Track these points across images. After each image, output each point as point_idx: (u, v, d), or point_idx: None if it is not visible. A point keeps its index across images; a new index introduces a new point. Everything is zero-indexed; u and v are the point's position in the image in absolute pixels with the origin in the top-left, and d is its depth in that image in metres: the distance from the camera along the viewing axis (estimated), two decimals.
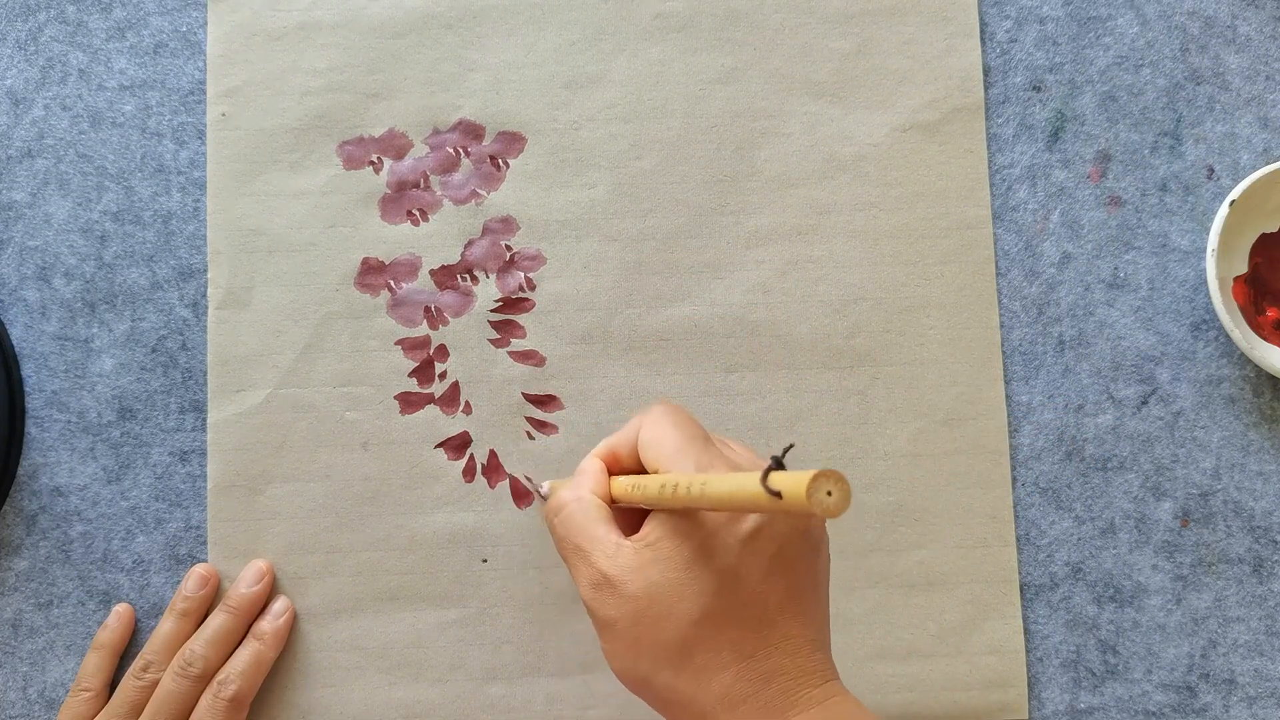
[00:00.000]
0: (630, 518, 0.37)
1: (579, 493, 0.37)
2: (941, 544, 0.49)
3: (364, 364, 0.50)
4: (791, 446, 0.32)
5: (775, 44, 0.51)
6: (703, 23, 0.51)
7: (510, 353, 0.50)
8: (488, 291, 0.50)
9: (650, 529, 0.34)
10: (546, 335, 0.50)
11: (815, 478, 0.27)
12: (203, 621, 0.48)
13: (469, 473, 0.49)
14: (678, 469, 0.34)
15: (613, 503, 0.38)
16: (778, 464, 0.29)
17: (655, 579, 0.33)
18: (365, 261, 0.50)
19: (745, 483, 0.29)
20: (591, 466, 0.39)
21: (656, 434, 0.36)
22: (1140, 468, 0.50)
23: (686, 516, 0.34)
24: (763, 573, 0.33)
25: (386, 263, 0.50)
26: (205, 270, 0.50)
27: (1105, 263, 0.50)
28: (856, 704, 0.34)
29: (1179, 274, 0.50)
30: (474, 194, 0.50)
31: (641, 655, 0.33)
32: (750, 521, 0.33)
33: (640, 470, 0.37)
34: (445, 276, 0.50)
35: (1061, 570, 0.49)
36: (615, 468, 0.39)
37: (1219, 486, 0.49)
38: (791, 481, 0.28)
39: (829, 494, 0.27)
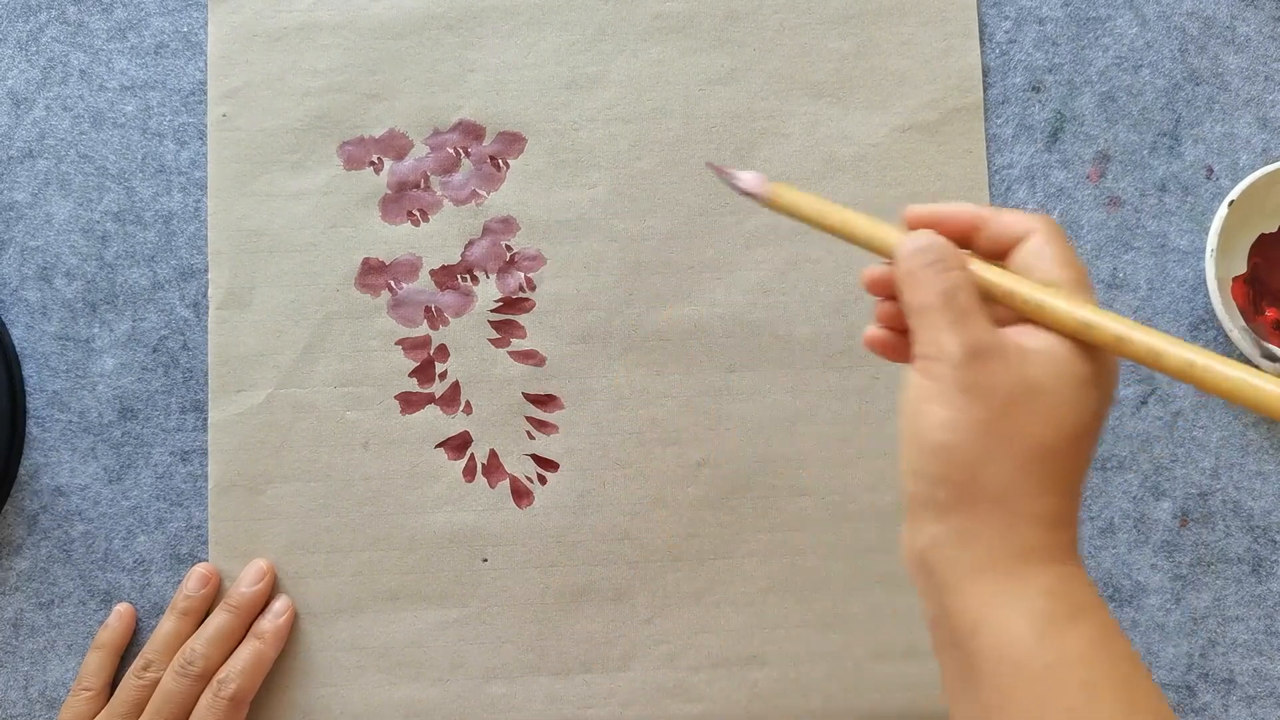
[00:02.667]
0: None
1: (963, 261, 0.33)
2: None
3: (364, 364, 0.50)
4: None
5: (775, 44, 0.51)
6: (702, 23, 0.51)
7: (510, 353, 0.50)
8: (488, 291, 0.50)
9: (1040, 337, 0.32)
10: (546, 335, 0.50)
11: None
12: (203, 621, 0.48)
13: (469, 473, 0.50)
14: (1076, 299, 0.32)
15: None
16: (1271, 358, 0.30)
17: (1052, 375, 0.31)
18: (366, 262, 0.50)
19: (1263, 385, 0.29)
20: (953, 247, 0.34)
21: (1057, 255, 0.33)
22: (1139, 467, 0.50)
23: (1082, 344, 0.32)
24: (1099, 433, 0.33)
25: (387, 263, 0.50)
26: (206, 270, 0.50)
27: (1104, 263, 0.50)
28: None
29: (1178, 274, 0.50)
30: (474, 194, 0.50)
31: (996, 437, 0.31)
32: (1115, 381, 0.33)
33: (990, 259, 0.34)
34: (445, 276, 0.50)
35: None
36: (957, 240, 0.35)
37: (1218, 486, 0.50)
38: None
39: None
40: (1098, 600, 0.32)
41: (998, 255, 0.34)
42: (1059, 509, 0.31)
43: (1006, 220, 0.34)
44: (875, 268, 0.36)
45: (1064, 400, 0.31)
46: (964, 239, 0.35)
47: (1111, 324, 0.32)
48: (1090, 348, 0.32)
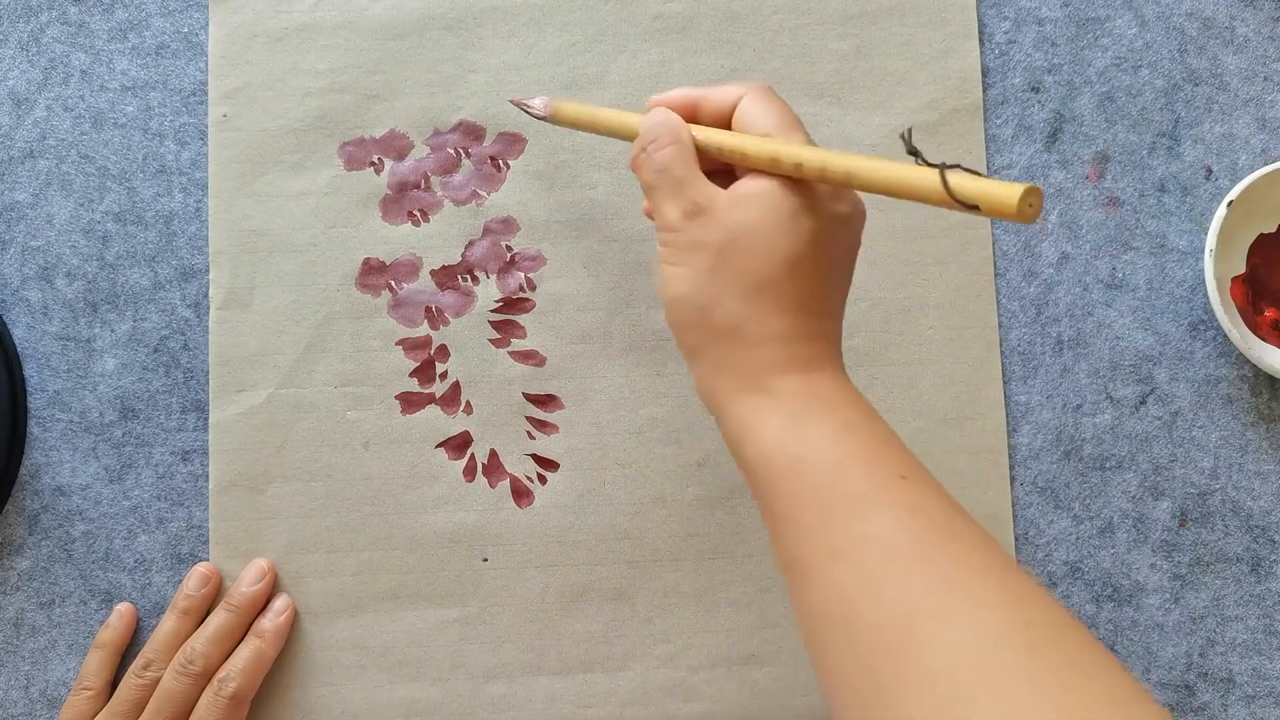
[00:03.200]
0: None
1: (680, 135, 0.38)
2: None
3: (365, 364, 0.50)
4: (911, 129, 0.35)
5: (774, 45, 0.51)
6: (702, 24, 0.51)
7: (510, 353, 0.50)
8: (488, 292, 0.50)
9: (753, 182, 0.36)
10: (546, 335, 0.50)
11: (1025, 193, 0.29)
12: (204, 620, 0.48)
13: (469, 473, 0.50)
14: (796, 137, 0.36)
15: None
16: (911, 152, 0.34)
17: (756, 217, 0.35)
18: (366, 262, 0.50)
19: (916, 176, 0.32)
20: (673, 117, 0.38)
21: (764, 108, 0.37)
22: (1138, 467, 0.50)
23: (792, 180, 0.36)
24: (840, 252, 0.37)
25: (387, 263, 0.50)
26: (207, 270, 0.50)
27: (1103, 263, 0.51)
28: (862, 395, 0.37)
29: (1177, 274, 0.51)
30: (474, 194, 0.50)
31: (718, 281, 0.35)
32: (845, 206, 0.36)
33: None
34: (446, 277, 0.50)
35: (1060, 569, 0.49)
36: (689, 121, 0.39)
37: (1217, 486, 0.50)
38: (993, 190, 0.30)
39: (1030, 205, 0.30)
40: (848, 396, 0.36)
41: (722, 124, 0.38)
42: (792, 327, 0.35)
43: (721, 91, 0.38)
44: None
45: (773, 234, 0.35)
46: (691, 117, 0.39)
47: (791, 151, 0.35)
48: (797, 184, 0.36)
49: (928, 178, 0.32)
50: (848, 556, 0.32)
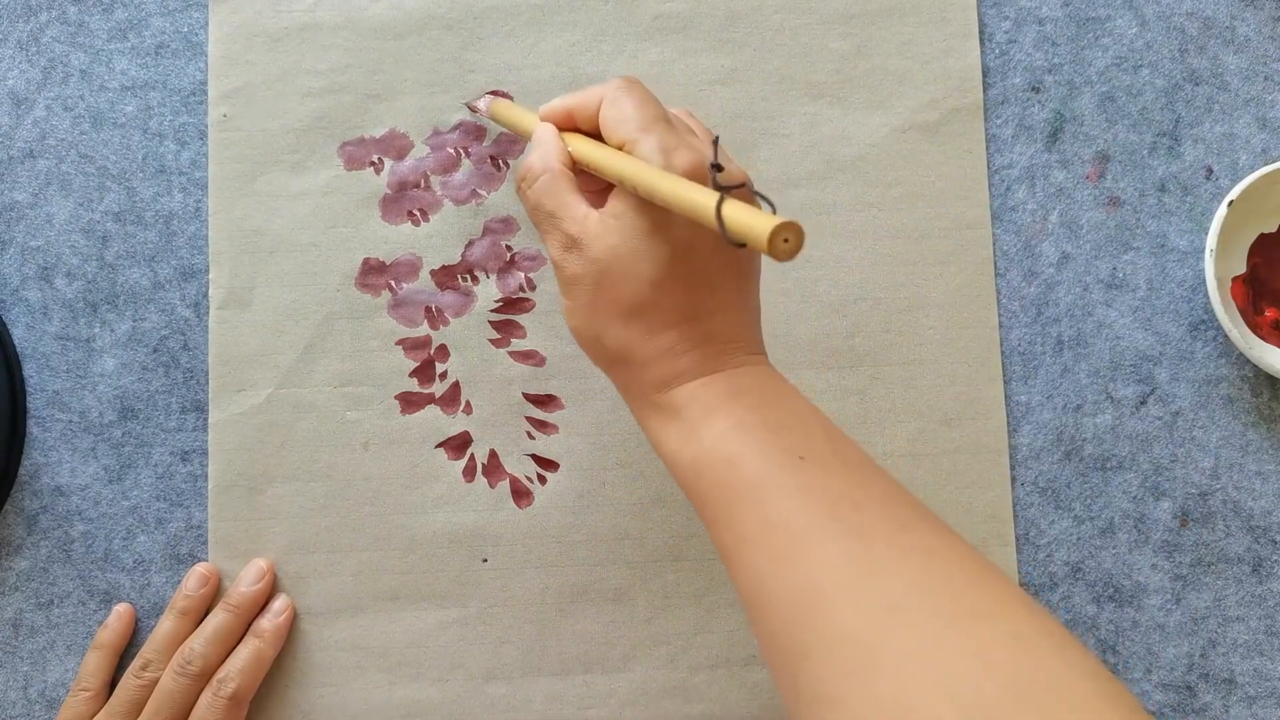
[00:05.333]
0: (592, 182, 0.40)
1: (549, 164, 0.38)
2: None
3: (365, 364, 0.50)
4: (718, 139, 0.37)
5: (775, 45, 0.51)
6: (702, 24, 0.51)
7: (510, 353, 0.50)
8: (488, 291, 0.50)
9: (614, 203, 0.37)
10: (546, 335, 0.50)
11: (777, 229, 0.30)
12: (203, 621, 0.48)
13: (469, 473, 0.50)
14: (641, 149, 0.36)
15: (572, 165, 0.39)
16: (717, 183, 0.35)
17: (618, 243, 0.36)
18: (366, 262, 0.50)
19: (699, 203, 0.33)
20: (549, 135, 0.40)
21: (619, 113, 0.38)
22: (1139, 467, 0.50)
23: (639, 199, 0.36)
24: (710, 250, 0.37)
25: (387, 263, 0.50)
26: (207, 270, 0.50)
27: (1104, 263, 0.51)
28: (777, 373, 0.38)
29: (1177, 274, 0.50)
30: (474, 194, 0.50)
31: (599, 311, 0.37)
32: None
33: (596, 135, 0.39)
34: (446, 276, 0.50)
35: (1061, 570, 0.49)
36: (568, 129, 0.40)
37: (1218, 486, 0.50)
38: (752, 224, 0.31)
39: (785, 241, 0.30)
40: (742, 389, 0.36)
41: (595, 128, 0.39)
42: (676, 340, 0.36)
43: (588, 96, 0.39)
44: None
45: (634, 258, 0.36)
46: (569, 126, 0.40)
47: (614, 167, 0.36)
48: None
49: (705, 198, 0.32)
50: (755, 541, 0.33)
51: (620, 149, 0.37)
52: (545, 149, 0.39)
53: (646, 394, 0.37)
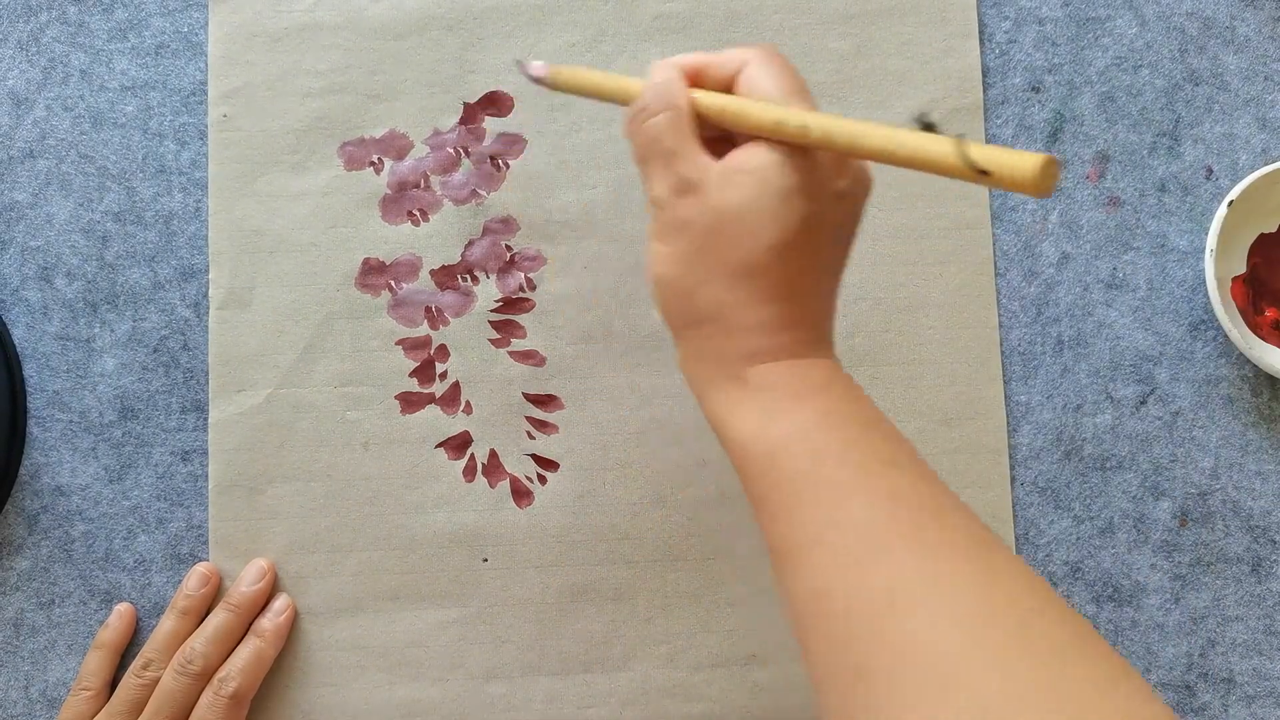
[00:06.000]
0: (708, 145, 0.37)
1: (674, 100, 0.36)
2: None
3: (365, 364, 0.50)
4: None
5: (775, 44, 0.51)
6: (702, 24, 0.51)
7: (510, 353, 0.50)
8: (488, 291, 0.50)
9: (748, 157, 0.34)
10: (546, 335, 0.50)
11: (1048, 162, 0.29)
12: (204, 620, 0.48)
13: (469, 473, 0.50)
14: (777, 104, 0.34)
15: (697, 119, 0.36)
16: (926, 126, 0.32)
17: (746, 198, 0.34)
18: (366, 262, 0.50)
19: (927, 143, 0.31)
20: (674, 78, 0.36)
21: (770, 74, 0.35)
22: (1139, 467, 0.50)
23: (792, 153, 0.34)
24: (835, 232, 0.35)
25: (387, 263, 0.50)
26: (207, 270, 0.50)
27: (1104, 263, 0.51)
28: (853, 379, 0.36)
29: (1177, 274, 0.51)
30: (474, 194, 0.50)
31: (702, 264, 0.34)
32: (846, 181, 0.35)
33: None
34: (446, 276, 0.50)
35: (1060, 570, 0.49)
36: (693, 86, 0.37)
37: (1217, 486, 0.50)
38: (1013, 159, 0.29)
39: (1049, 176, 0.29)
40: (833, 382, 0.35)
41: (726, 90, 0.36)
42: (776, 315, 0.34)
43: (724, 55, 0.37)
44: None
45: (761, 217, 0.33)
46: (695, 83, 0.37)
47: (794, 115, 0.33)
48: (796, 158, 0.34)
49: (940, 144, 0.30)
50: (827, 541, 0.31)
51: None
52: (669, 86, 0.36)
53: (728, 364, 0.35)
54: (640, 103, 0.36)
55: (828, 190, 0.34)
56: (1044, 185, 0.29)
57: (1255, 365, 0.49)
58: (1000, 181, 0.30)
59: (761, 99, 0.35)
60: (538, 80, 0.42)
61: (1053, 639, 0.28)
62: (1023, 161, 0.29)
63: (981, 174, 0.30)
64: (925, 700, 0.27)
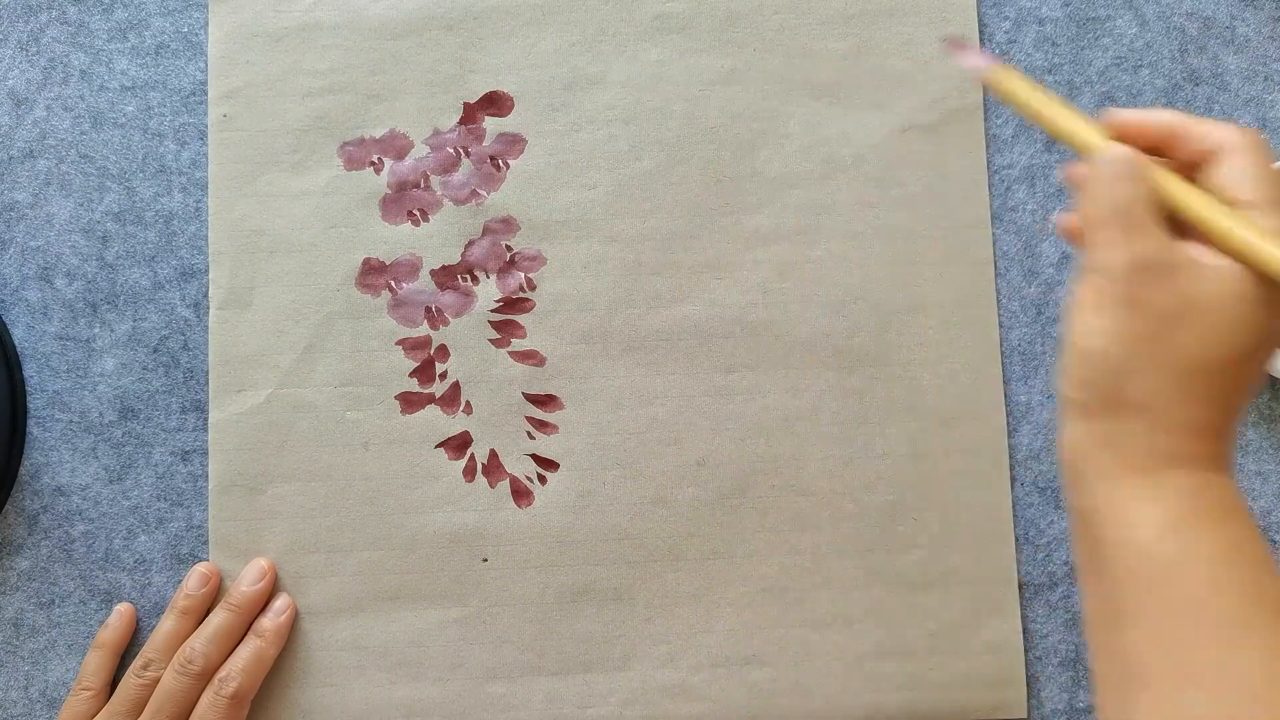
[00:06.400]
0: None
1: (1146, 171, 0.33)
2: (941, 543, 0.49)
3: (365, 364, 0.50)
4: None
5: (775, 45, 0.51)
6: (702, 24, 0.51)
7: (510, 353, 0.50)
8: (488, 291, 0.50)
9: (1219, 256, 0.32)
10: (546, 335, 0.50)
11: None
12: (204, 620, 0.48)
13: (469, 473, 0.50)
14: (1267, 220, 0.32)
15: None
16: None
17: (1220, 296, 0.32)
18: (366, 262, 0.50)
19: None
20: (1141, 158, 0.34)
21: (1248, 171, 0.33)
22: None
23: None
24: (1267, 358, 0.33)
25: (387, 263, 0.50)
26: (207, 270, 0.50)
27: None
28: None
29: None
30: (474, 194, 0.50)
31: (1146, 350, 0.32)
32: None
33: (1181, 170, 0.34)
34: (446, 277, 0.50)
35: (1060, 569, 0.49)
36: (1145, 147, 0.35)
37: None
38: None
39: None
40: (1239, 509, 0.32)
41: (1194, 166, 0.34)
42: (1207, 420, 0.32)
43: (1203, 131, 0.34)
44: (1077, 165, 0.36)
45: (1227, 320, 0.32)
46: (1161, 148, 0.35)
47: (1272, 252, 0.31)
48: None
49: None
50: (1206, 684, 0.30)
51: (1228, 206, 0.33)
52: (1140, 159, 0.34)
53: (1143, 458, 0.32)
54: (1110, 160, 0.34)
55: None
56: None
57: None
58: None
59: (1229, 197, 0.33)
60: (971, 70, 0.39)
61: None
62: None
63: None
64: None
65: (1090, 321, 0.33)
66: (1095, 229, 0.33)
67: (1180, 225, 0.33)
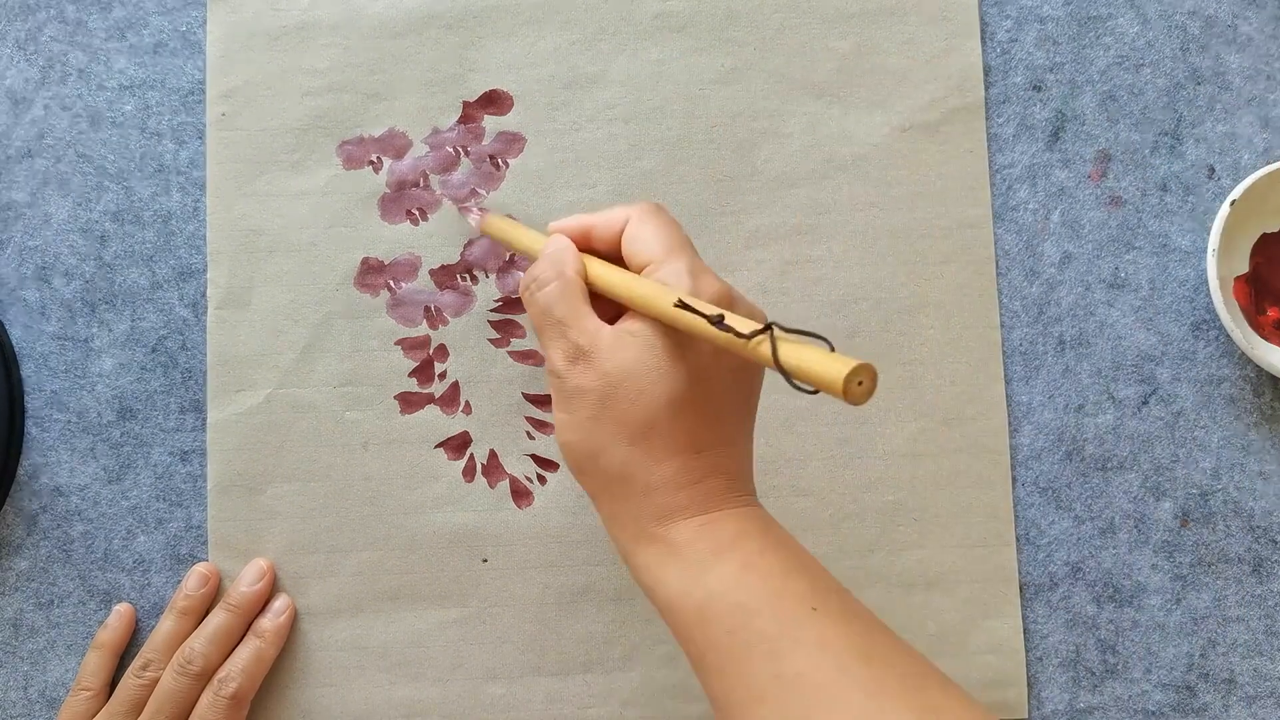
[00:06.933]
0: (600, 306, 0.38)
1: (562, 270, 0.37)
2: (941, 543, 0.49)
3: (364, 364, 0.50)
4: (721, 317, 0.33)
5: (775, 44, 0.51)
6: (702, 23, 0.51)
7: (510, 353, 0.50)
8: (487, 291, 0.50)
9: (633, 321, 0.36)
10: None
11: (852, 372, 0.29)
12: (203, 620, 0.48)
13: (469, 473, 0.49)
14: (667, 272, 0.36)
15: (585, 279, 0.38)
16: (725, 327, 0.33)
17: (634, 360, 0.35)
18: (365, 261, 0.50)
19: (745, 341, 0.32)
20: (564, 246, 0.38)
21: (648, 232, 0.37)
22: (1140, 467, 0.50)
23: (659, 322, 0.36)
24: (727, 383, 0.36)
25: (386, 262, 0.50)
26: (205, 270, 0.50)
27: (1106, 263, 0.50)
28: (772, 517, 0.37)
29: (1179, 274, 0.50)
30: (474, 193, 0.50)
31: (602, 429, 0.35)
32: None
33: (612, 256, 0.39)
34: (445, 276, 0.50)
35: (1061, 570, 0.49)
36: (583, 248, 0.39)
37: (1219, 486, 0.49)
38: (822, 366, 0.29)
39: (860, 384, 0.29)
40: (748, 531, 0.35)
41: (614, 247, 0.38)
42: (682, 469, 0.35)
43: (608, 214, 0.38)
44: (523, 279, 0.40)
45: (651, 377, 0.35)
46: (584, 244, 0.39)
47: (636, 288, 0.35)
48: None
49: (752, 340, 0.32)
50: (769, 698, 0.32)
51: (640, 272, 0.36)
52: (559, 255, 0.38)
53: (643, 524, 0.35)
54: (533, 272, 0.38)
55: (706, 347, 0.35)
56: (854, 392, 0.29)
57: (1257, 365, 0.49)
58: (815, 386, 0.30)
59: (640, 260, 0.36)
60: (472, 224, 0.48)
61: None
62: (829, 366, 0.29)
63: (784, 375, 0.31)
64: None
65: (559, 417, 0.36)
66: (538, 334, 0.38)
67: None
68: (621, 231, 0.38)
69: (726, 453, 0.36)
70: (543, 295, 0.37)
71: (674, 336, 0.35)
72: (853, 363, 0.29)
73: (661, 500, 0.35)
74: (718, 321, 0.33)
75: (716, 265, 0.50)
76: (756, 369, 0.37)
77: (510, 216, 0.47)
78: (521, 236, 0.43)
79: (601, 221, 0.39)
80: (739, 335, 0.32)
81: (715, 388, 0.36)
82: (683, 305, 0.33)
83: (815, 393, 0.30)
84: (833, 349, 0.31)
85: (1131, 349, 0.50)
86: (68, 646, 0.49)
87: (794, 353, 0.30)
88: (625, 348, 0.35)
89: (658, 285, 0.35)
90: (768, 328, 0.31)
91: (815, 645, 0.32)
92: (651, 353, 0.35)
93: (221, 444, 0.49)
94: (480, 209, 0.46)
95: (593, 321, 0.36)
